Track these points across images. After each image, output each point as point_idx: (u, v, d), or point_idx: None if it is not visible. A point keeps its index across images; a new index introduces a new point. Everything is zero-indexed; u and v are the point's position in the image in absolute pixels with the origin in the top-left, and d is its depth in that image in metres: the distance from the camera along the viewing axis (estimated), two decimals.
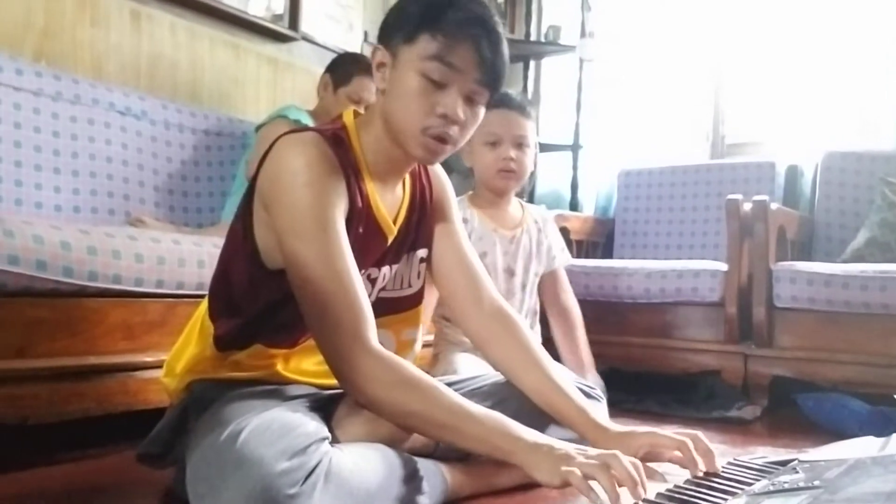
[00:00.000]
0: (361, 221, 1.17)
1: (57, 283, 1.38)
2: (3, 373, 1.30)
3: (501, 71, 1.15)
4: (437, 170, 1.36)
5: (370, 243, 1.20)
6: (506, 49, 1.15)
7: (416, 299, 1.34)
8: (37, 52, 2.22)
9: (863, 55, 3.12)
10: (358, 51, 3.16)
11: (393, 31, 1.15)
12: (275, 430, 0.96)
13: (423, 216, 1.31)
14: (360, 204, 1.16)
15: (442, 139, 1.14)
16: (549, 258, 2.02)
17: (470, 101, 1.14)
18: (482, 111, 1.18)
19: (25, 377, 1.33)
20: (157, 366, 1.29)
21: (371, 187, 1.19)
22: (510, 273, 1.91)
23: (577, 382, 1.46)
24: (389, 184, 1.23)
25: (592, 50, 3.50)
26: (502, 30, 1.15)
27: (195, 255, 1.61)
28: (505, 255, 1.91)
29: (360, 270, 1.17)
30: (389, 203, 1.23)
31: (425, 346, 1.78)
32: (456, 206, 1.39)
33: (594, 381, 1.92)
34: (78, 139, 2.14)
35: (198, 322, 1.24)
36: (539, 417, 1.26)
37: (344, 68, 2.37)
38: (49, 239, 1.37)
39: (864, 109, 3.16)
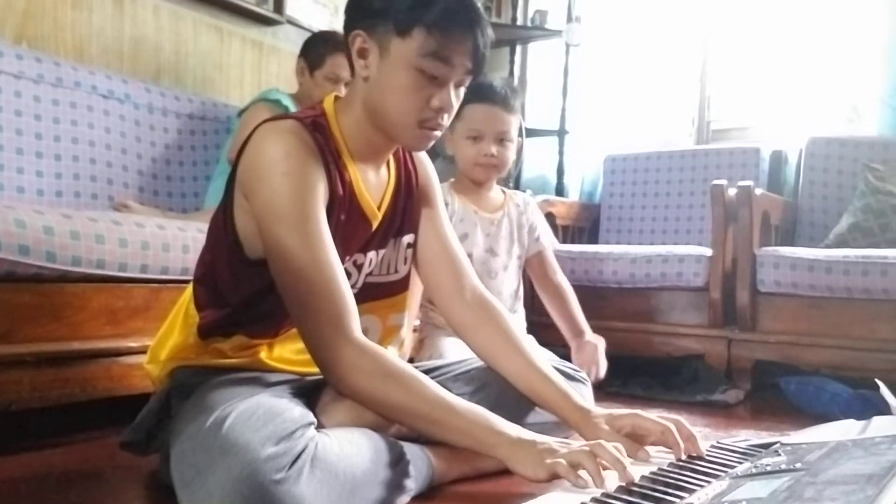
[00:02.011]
0: (344, 208, 1.16)
1: (40, 269, 1.37)
2: None
3: (486, 56, 1.16)
4: (423, 156, 1.36)
5: (354, 229, 1.19)
6: (490, 31, 1.16)
7: (403, 285, 1.34)
8: (18, 35, 2.19)
9: (847, 41, 3.13)
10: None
11: (376, 18, 1.11)
12: (260, 415, 0.96)
13: (410, 201, 1.30)
14: (341, 191, 1.15)
15: (435, 129, 1.16)
16: (532, 240, 2.02)
17: (457, 87, 1.16)
18: (462, 93, 1.20)
19: (8, 363, 1.32)
20: (141, 351, 1.28)
21: (354, 172, 1.18)
22: (492, 254, 1.92)
23: (562, 365, 1.47)
24: (372, 167, 1.23)
25: (579, 35, 3.49)
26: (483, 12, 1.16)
27: (179, 240, 1.60)
28: (487, 237, 1.91)
29: (345, 256, 1.18)
30: (374, 187, 1.23)
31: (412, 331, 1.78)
32: (440, 193, 1.39)
33: (594, 339, 1.98)
34: (60, 123, 2.12)
35: (182, 309, 1.24)
36: (521, 402, 1.28)
37: (316, 51, 2.30)
38: (32, 224, 1.36)
39: (848, 95, 3.17)
